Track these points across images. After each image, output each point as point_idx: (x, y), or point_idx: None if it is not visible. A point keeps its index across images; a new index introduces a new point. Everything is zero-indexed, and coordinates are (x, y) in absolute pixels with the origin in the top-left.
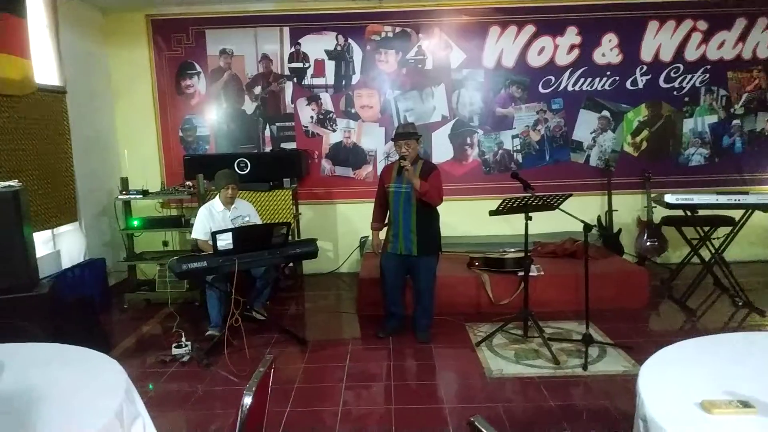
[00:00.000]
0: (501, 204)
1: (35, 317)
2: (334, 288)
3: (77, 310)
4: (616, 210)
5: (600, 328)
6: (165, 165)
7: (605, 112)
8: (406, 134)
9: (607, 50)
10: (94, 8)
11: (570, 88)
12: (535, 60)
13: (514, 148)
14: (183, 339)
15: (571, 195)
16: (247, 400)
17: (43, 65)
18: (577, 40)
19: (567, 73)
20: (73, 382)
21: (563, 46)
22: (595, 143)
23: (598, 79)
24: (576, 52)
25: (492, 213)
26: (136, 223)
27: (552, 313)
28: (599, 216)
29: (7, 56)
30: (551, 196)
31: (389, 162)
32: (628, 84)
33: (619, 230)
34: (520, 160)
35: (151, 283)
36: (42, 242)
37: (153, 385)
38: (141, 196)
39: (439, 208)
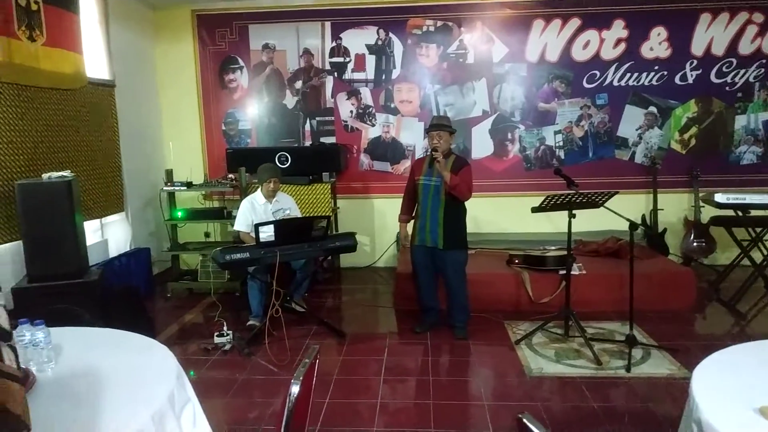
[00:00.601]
0: (544, 201)
1: (86, 303)
2: (370, 282)
3: (124, 298)
4: (662, 209)
5: (643, 330)
6: (208, 158)
7: (652, 108)
8: (439, 125)
9: (656, 44)
10: (142, 3)
11: (615, 83)
12: (580, 54)
13: (557, 144)
14: (225, 328)
15: (617, 193)
16: (295, 389)
17: (94, 59)
18: (624, 33)
19: (613, 68)
20: (127, 367)
21: (609, 40)
22: (640, 140)
23: (645, 74)
24: (623, 45)
25: (534, 210)
26: (180, 214)
27: (593, 312)
28: (643, 215)
29: (60, 51)
30: (596, 194)
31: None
32: (677, 79)
33: (664, 230)
34: (563, 157)
35: (194, 272)
36: (91, 231)
37: (195, 372)
38: (185, 187)
39: (476, 203)
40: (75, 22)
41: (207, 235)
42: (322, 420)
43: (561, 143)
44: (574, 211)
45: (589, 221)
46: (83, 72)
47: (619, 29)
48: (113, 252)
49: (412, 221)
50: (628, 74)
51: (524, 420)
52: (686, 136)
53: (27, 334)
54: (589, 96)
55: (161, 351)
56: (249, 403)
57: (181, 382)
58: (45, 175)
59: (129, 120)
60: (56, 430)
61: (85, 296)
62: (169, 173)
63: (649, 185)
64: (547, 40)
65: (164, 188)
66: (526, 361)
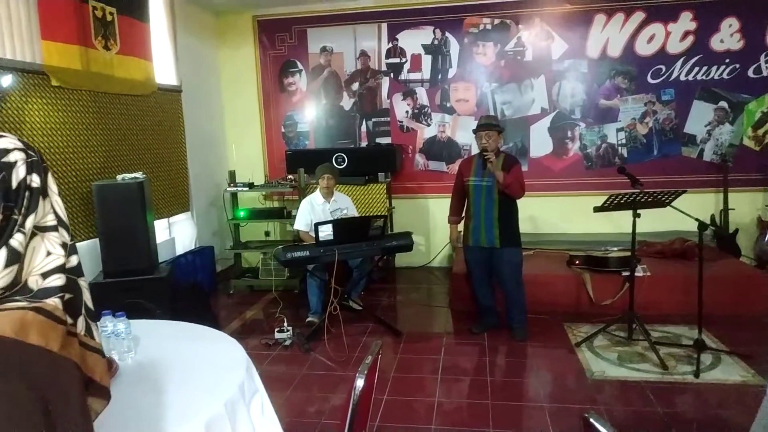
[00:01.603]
0: (607, 200)
1: (156, 298)
2: (425, 282)
3: (190, 293)
4: (733, 209)
5: (713, 335)
6: (268, 159)
7: (722, 103)
8: (488, 125)
9: (727, 36)
10: (207, 11)
11: (682, 78)
12: (644, 48)
13: (619, 142)
14: (285, 324)
15: (685, 191)
16: (360, 383)
17: (162, 66)
18: (692, 26)
19: (679, 62)
20: (200, 357)
21: (676, 33)
22: (709, 136)
23: (714, 68)
24: (690, 38)
25: (597, 209)
26: (242, 213)
27: (657, 316)
28: (713, 215)
29: (132, 59)
30: (662, 193)
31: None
32: (750, 72)
33: (736, 230)
34: (625, 155)
35: (255, 270)
36: (159, 230)
37: (257, 366)
38: (247, 188)
39: (535, 203)
40: (146, 31)
41: (267, 234)
42: (380, 416)
43: (624, 141)
44: (639, 212)
45: (653, 221)
46: (153, 78)
47: (686, 21)
48: (180, 250)
49: (462, 222)
50: (696, 68)
51: (591, 419)
52: (760, 131)
53: (109, 325)
54: (653, 92)
55: (231, 343)
56: (309, 398)
57: (250, 374)
58: (119, 177)
59: (194, 123)
60: (139, 414)
61: (155, 291)
62: (232, 174)
63: (719, 184)
64: (609, 34)
65: (227, 189)
66: (587, 363)
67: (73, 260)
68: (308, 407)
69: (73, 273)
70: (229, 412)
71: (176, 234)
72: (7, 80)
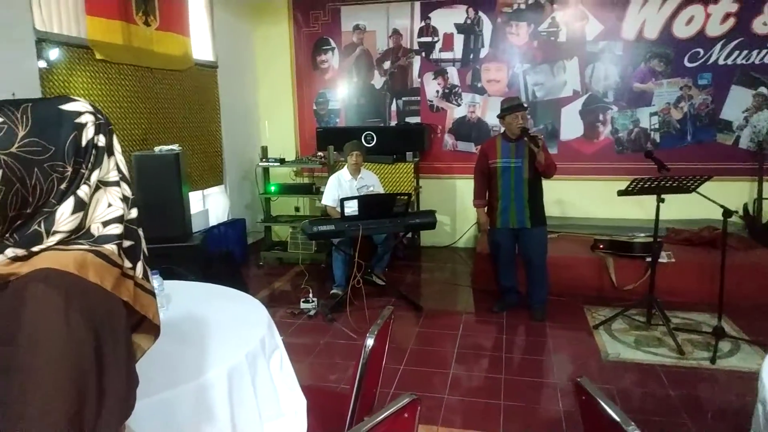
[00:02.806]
0: (630, 184)
1: (189, 265)
2: (450, 261)
3: (222, 262)
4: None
5: (736, 324)
6: (300, 136)
7: (762, 89)
8: (521, 106)
9: None
10: None
11: (721, 62)
12: (682, 31)
13: (652, 127)
14: (310, 295)
15: (710, 177)
16: (370, 342)
17: (199, 42)
18: (734, 7)
19: (719, 45)
20: (226, 314)
21: (716, 15)
22: (747, 123)
23: (756, 52)
24: (731, 21)
25: (621, 193)
26: (273, 188)
27: (681, 303)
28: (746, 204)
29: (172, 34)
30: (687, 178)
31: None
32: None
33: None
34: (658, 140)
35: (284, 243)
36: (194, 201)
37: (283, 334)
38: (278, 164)
39: (563, 186)
40: (184, 7)
41: (297, 209)
42: (396, 384)
43: (657, 126)
44: (664, 197)
45: (684, 209)
46: (191, 54)
47: (727, 3)
48: (213, 221)
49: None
50: (736, 52)
51: (582, 383)
52: None
53: None
54: (690, 76)
55: (254, 303)
56: (330, 365)
57: (271, 331)
58: (156, 148)
59: (229, 99)
60: (169, 362)
61: (188, 259)
62: (265, 150)
63: (755, 172)
64: (646, 16)
65: (259, 164)
66: (603, 345)
67: (134, 212)
68: (329, 374)
69: (133, 223)
70: (250, 363)
71: (210, 206)
72: (54, 54)
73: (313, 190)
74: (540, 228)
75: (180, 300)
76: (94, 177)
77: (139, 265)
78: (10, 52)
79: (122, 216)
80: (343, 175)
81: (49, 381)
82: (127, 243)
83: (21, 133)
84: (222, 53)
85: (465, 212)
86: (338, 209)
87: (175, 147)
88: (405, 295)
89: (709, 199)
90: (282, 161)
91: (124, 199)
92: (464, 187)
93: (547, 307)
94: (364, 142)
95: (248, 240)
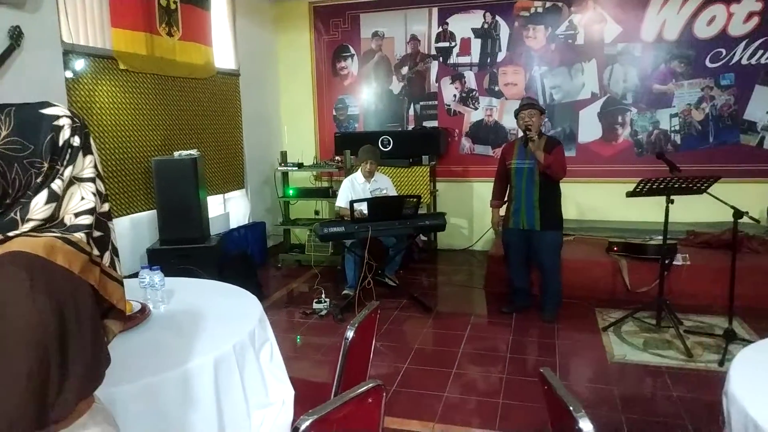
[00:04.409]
0: (639, 185)
1: (205, 265)
2: (466, 264)
3: (239, 263)
4: None
5: (751, 327)
6: (319, 141)
7: None
8: (530, 104)
9: None
10: None
11: (744, 62)
12: (703, 31)
13: (672, 128)
14: (323, 296)
15: (719, 178)
16: (350, 333)
17: (222, 51)
18: (758, 6)
19: (742, 45)
20: (221, 308)
21: (739, 15)
22: None
23: None
24: (755, 20)
25: (629, 194)
26: (291, 192)
27: (696, 306)
28: None
29: (194, 44)
30: (697, 179)
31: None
32: None
33: None
34: (679, 142)
35: (302, 246)
36: (215, 205)
37: (296, 336)
38: (296, 168)
39: (582, 189)
40: (207, 18)
41: (317, 212)
42: (398, 383)
43: (677, 127)
44: (678, 197)
45: (707, 211)
46: (213, 63)
47: (751, 2)
48: (234, 224)
49: (505, 206)
50: (761, 51)
51: (545, 374)
52: None
53: (146, 276)
54: (712, 76)
55: (250, 299)
56: (333, 362)
57: (263, 325)
58: (176, 153)
59: (251, 106)
60: (162, 350)
61: (205, 259)
62: (284, 155)
63: None
64: (666, 17)
65: (278, 168)
66: (611, 347)
67: (105, 207)
68: (331, 370)
69: (104, 216)
70: (238, 354)
71: (231, 209)
72: (80, 64)
73: (330, 193)
74: (552, 232)
75: (182, 295)
76: (68, 173)
77: (107, 255)
78: (38, 63)
79: (94, 208)
80: (357, 178)
81: (13, 351)
82: (97, 233)
83: (4, 133)
84: (244, 61)
85: (482, 215)
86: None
87: (194, 152)
88: (415, 296)
89: (718, 199)
90: (300, 166)
91: (98, 194)
92: (481, 190)
93: (558, 309)
94: (380, 146)
95: (268, 243)
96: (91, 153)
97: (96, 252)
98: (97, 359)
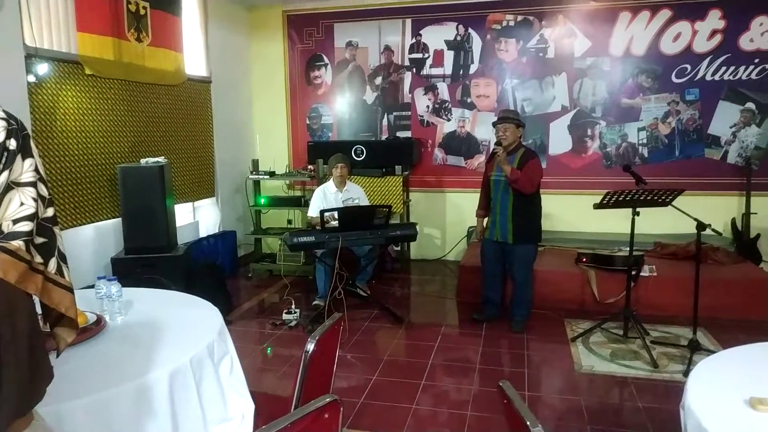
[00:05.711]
0: (605, 197)
1: (172, 274)
2: (438, 274)
3: (207, 273)
4: (755, 213)
5: (716, 338)
6: (292, 149)
7: (750, 104)
8: (503, 118)
9: (757, 35)
10: (239, 5)
11: (708, 78)
12: (669, 47)
13: (640, 142)
14: (293, 306)
15: (683, 191)
16: (310, 346)
17: (193, 58)
18: (721, 24)
19: (706, 61)
20: (180, 320)
21: (703, 32)
22: (735, 138)
23: (743, 68)
24: (718, 37)
25: (597, 206)
26: (263, 201)
27: (663, 316)
28: (733, 219)
29: (164, 50)
30: (662, 192)
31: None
32: None
33: (758, 235)
34: (646, 155)
35: (274, 255)
36: (184, 213)
37: (266, 346)
38: (268, 176)
39: (552, 200)
40: (177, 24)
41: (290, 222)
42: (366, 394)
43: (645, 140)
44: (643, 210)
45: (676, 223)
46: (183, 69)
47: (714, 20)
48: (203, 233)
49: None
50: (723, 68)
51: (503, 387)
52: None
53: (103, 287)
54: (677, 91)
55: (210, 310)
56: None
57: (222, 337)
58: (142, 161)
59: (222, 113)
60: (116, 363)
61: (171, 269)
62: (255, 163)
63: (743, 187)
64: (634, 32)
65: (249, 176)
66: (578, 357)
67: (50, 212)
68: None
69: (48, 222)
70: (195, 366)
71: (201, 217)
72: (43, 68)
73: (302, 202)
74: (525, 246)
75: (141, 306)
76: (3, 177)
77: (53, 261)
78: None
79: (35, 214)
80: (329, 187)
81: None
82: (40, 239)
83: None
84: (216, 68)
85: (454, 225)
86: None
87: (161, 159)
88: (386, 306)
89: (682, 212)
90: (272, 174)
91: (40, 198)
92: (454, 200)
93: (527, 320)
94: (354, 156)
95: (239, 252)
96: (32, 156)
97: (39, 259)
98: (36, 374)
